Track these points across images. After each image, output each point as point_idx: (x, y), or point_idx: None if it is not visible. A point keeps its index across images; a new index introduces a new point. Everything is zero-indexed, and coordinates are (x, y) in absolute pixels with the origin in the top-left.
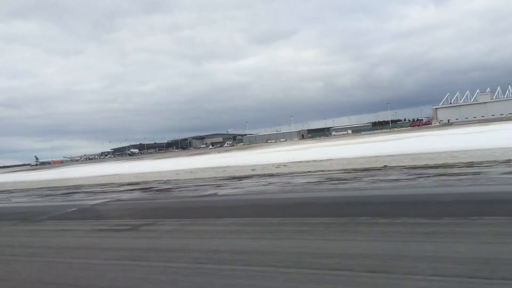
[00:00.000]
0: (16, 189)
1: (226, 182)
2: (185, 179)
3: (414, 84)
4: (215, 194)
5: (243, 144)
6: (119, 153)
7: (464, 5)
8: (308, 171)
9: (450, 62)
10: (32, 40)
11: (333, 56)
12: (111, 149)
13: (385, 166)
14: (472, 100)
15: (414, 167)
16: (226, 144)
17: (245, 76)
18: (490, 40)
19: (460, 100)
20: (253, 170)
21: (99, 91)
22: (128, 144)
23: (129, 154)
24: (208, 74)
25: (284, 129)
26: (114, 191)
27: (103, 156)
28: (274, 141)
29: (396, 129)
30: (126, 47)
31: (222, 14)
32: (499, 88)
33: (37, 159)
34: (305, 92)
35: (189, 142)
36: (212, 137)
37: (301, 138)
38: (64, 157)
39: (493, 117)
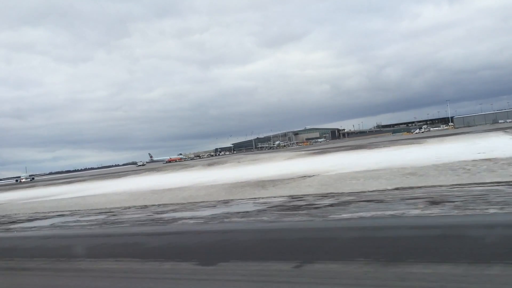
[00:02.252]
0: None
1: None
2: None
3: (422, 85)
4: None
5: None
6: (239, 148)
7: (479, 2)
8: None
9: (459, 62)
10: (41, 48)
11: (342, 58)
12: (232, 144)
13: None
14: None
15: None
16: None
17: (252, 81)
18: (501, 38)
19: None
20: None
21: (105, 99)
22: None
23: (265, 146)
24: (215, 80)
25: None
26: None
27: (216, 153)
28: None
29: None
30: (135, 53)
31: (234, 16)
32: None
33: (151, 156)
34: (311, 95)
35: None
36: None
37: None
38: (179, 154)
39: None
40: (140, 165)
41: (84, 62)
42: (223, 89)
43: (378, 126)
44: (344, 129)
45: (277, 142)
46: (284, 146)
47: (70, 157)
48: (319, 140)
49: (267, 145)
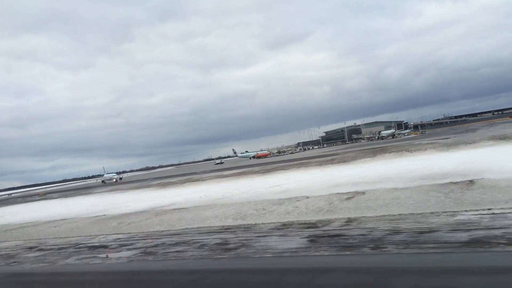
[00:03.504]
0: None
1: None
2: None
3: (423, 84)
4: None
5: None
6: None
7: None
8: None
9: (461, 60)
10: (42, 56)
11: (343, 59)
12: (320, 137)
13: None
14: None
15: None
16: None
17: (253, 84)
18: (503, 34)
19: None
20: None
21: (105, 106)
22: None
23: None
24: (216, 84)
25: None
26: None
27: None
28: None
29: None
30: (136, 58)
31: (237, 18)
32: None
33: (235, 152)
34: (312, 97)
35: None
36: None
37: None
38: (261, 150)
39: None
40: (218, 163)
41: (85, 68)
42: (224, 93)
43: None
44: (406, 122)
45: (389, 131)
46: (394, 136)
47: (69, 165)
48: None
49: (370, 136)
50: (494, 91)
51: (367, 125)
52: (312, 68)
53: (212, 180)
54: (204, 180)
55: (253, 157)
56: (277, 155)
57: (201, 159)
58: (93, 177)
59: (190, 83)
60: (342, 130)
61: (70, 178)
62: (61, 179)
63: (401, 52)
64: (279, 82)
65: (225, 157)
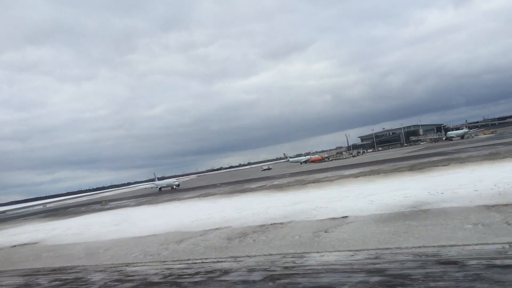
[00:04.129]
0: None
1: None
2: None
3: (424, 92)
4: None
5: None
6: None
7: (484, 5)
8: None
9: (462, 66)
10: (44, 68)
11: (344, 67)
12: (359, 137)
13: None
14: None
15: None
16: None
17: (254, 94)
18: (504, 41)
19: None
20: None
21: (106, 118)
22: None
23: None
24: (217, 94)
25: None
26: None
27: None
28: None
29: None
30: (139, 69)
31: (240, 28)
32: None
33: (286, 156)
34: (313, 106)
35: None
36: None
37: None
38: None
39: None
40: (266, 169)
41: (87, 80)
42: (225, 103)
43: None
44: (445, 125)
45: (459, 131)
46: (463, 137)
47: (70, 178)
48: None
49: (435, 137)
50: (494, 98)
51: (399, 129)
52: (314, 77)
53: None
54: (283, 188)
55: (305, 161)
56: (333, 159)
57: (204, 170)
58: (128, 184)
59: (191, 93)
60: (390, 133)
61: (75, 190)
62: (76, 190)
63: (402, 59)
64: (281, 92)
65: (271, 161)
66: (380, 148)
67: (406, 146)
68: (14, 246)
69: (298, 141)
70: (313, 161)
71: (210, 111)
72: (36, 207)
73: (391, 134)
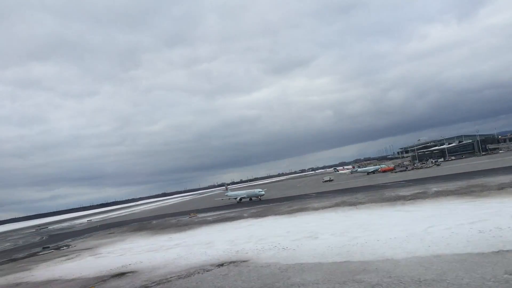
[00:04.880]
0: None
1: None
2: None
3: (426, 107)
4: None
5: None
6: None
7: (487, 20)
8: None
9: (463, 82)
10: (47, 84)
11: (346, 83)
12: (417, 143)
13: None
14: None
15: None
16: None
17: (255, 109)
18: (506, 56)
19: None
20: None
21: (107, 135)
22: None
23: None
24: (219, 109)
25: None
26: None
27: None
28: None
29: None
30: (142, 85)
31: (244, 43)
32: None
33: (353, 166)
34: (314, 122)
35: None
36: None
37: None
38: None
39: None
40: (327, 180)
41: (90, 96)
42: (226, 119)
43: None
44: (493, 135)
45: None
46: None
47: (69, 195)
48: None
49: None
50: (494, 113)
51: (440, 141)
52: (315, 93)
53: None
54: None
55: (373, 172)
56: (413, 168)
57: (206, 185)
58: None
59: (193, 109)
60: (457, 141)
61: (75, 207)
62: (78, 206)
63: (404, 75)
64: (282, 107)
65: (329, 166)
66: (453, 158)
67: (484, 154)
68: (221, 265)
69: (298, 156)
70: (385, 171)
71: (211, 127)
72: (77, 221)
73: (458, 143)
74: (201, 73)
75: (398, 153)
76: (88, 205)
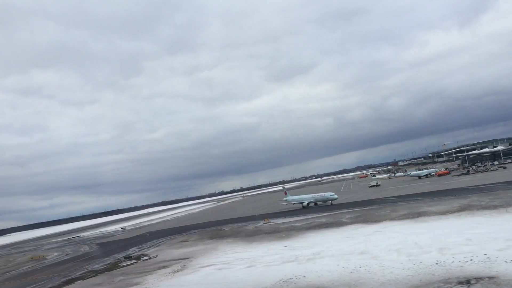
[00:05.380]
0: None
1: None
2: None
3: (426, 114)
4: None
5: None
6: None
7: (488, 27)
8: None
9: (464, 88)
10: (48, 92)
11: (347, 90)
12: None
13: None
14: None
15: None
16: None
17: (256, 117)
18: (506, 63)
19: None
20: None
21: (107, 142)
22: None
23: None
24: (219, 117)
25: None
26: None
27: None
28: None
29: None
30: (143, 93)
31: (245, 50)
32: None
33: (405, 170)
34: (314, 129)
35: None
36: None
37: None
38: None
39: None
40: (374, 185)
41: (91, 104)
42: (227, 127)
43: None
44: None
45: None
46: None
47: (68, 204)
48: None
49: None
50: (493, 120)
51: (473, 145)
52: (316, 100)
53: None
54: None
55: (426, 176)
56: (474, 172)
57: (207, 193)
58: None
59: (193, 117)
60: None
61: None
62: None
63: (405, 82)
64: (282, 115)
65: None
66: (508, 161)
67: None
68: (467, 282)
69: (298, 164)
70: (441, 175)
71: (211, 134)
72: (103, 229)
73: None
74: (202, 80)
75: (429, 157)
76: (89, 213)
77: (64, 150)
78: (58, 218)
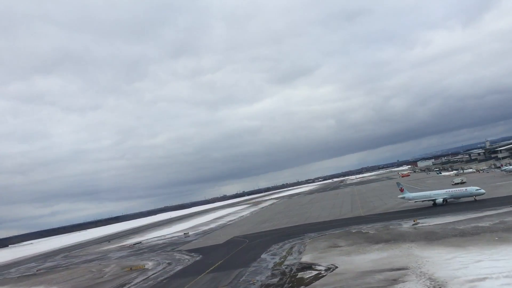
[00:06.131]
0: None
1: None
2: None
3: (428, 114)
4: None
5: None
6: None
7: (492, 25)
8: None
9: (466, 87)
10: (50, 98)
11: (349, 91)
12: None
13: None
14: None
15: None
16: None
17: (257, 120)
18: (509, 61)
19: None
20: None
21: (109, 149)
22: None
23: None
24: (221, 121)
25: None
26: None
27: None
28: None
29: None
30: (145, 97)
31: (248, 53)
32: None
33: (493, 164)
34: (316, 131)
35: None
36: None
37: None
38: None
39: None
40: (458, 183)
41: (93, 110)
42: (228, 131)
43: None
44: None
45: None
46: None
47: (68, 211)
48: None
49: None
50: (493, 120)
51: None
52: (318, 102)
53: None
54: None
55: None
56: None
57: (209, 197)
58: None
59: (195, 121)
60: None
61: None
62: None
63: (407, 82)
64: (284, 118)
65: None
66: None
67: None
68: None
69: (299, 167)
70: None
71: (212, 139)
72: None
73: None
74: (204, 84)
75: (481, 153)
76: (93, 219)
77: (65, 157)
78: (79, 222)
